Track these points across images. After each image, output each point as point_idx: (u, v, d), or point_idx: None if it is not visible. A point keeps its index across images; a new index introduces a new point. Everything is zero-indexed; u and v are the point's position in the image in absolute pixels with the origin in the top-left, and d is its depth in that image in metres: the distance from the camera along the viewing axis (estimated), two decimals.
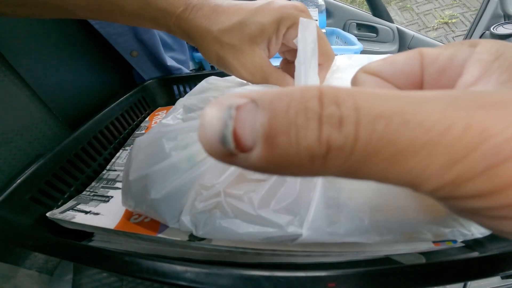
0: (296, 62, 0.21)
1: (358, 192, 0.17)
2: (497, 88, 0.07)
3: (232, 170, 0.18)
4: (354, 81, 0.12)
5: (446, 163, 0.06)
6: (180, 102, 0.31)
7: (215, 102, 0.06)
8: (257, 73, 0.24)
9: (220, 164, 0.19)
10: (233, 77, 0.28)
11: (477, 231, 0.17)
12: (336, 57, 0.28)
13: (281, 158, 0.06)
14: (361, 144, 0.06)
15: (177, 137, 0.20)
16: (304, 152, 0.06)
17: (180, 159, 0.19)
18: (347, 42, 0.65)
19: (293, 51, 0.24)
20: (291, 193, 0.18)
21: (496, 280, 0.23)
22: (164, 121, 0.27)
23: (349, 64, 0.29)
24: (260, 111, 0.06)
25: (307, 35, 0.21)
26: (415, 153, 0.06)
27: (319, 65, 0.25)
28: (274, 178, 0.18)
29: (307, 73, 0.20)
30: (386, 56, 0.12)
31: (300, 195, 0.17)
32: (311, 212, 0.17)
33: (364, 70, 0.12)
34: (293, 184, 0.18)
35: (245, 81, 0.27)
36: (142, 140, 0.21)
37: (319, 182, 0.17)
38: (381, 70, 0.11)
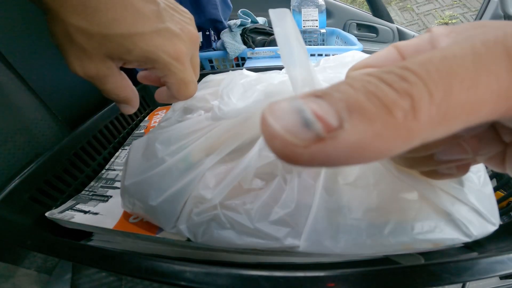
0: (284, 64, 0.14)
1: (357, 203, 0.17)
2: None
3: (229, 180, 0.18)
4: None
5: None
6: (178, 104, 0.30)
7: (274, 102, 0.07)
8: None
9: (215, 173, 0.18)
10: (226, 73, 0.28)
11: (477, 233, 0.16)
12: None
13: (375, 124, 0.06)
14: (432, 83, 0.06)
15: (171, 140, 0.20)
16: (393, 106, 0.06)
17: (174, 163, 0.19)
18: (347, 42, 0.64)
19: None
20: (289, 204, 0.17)
21: (494, 280, 0.23)
22: (162, 124, 0.27)
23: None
24: (335, 95, 0.06)
25: (285, 25, 0.13)
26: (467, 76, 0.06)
27: None
28: (271, 188, 0.18)
29: (304, 77, 0.14)
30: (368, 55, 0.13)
31: (298, 205, 0.17)
32: (308, 224, 0.17)
33: (355, 68, 0.13)
34: (291, 193, 0.17)
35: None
36: (138, 144, 0.21)
37: (317, 193, 0.17)
38: (369, 62, 0.13)
